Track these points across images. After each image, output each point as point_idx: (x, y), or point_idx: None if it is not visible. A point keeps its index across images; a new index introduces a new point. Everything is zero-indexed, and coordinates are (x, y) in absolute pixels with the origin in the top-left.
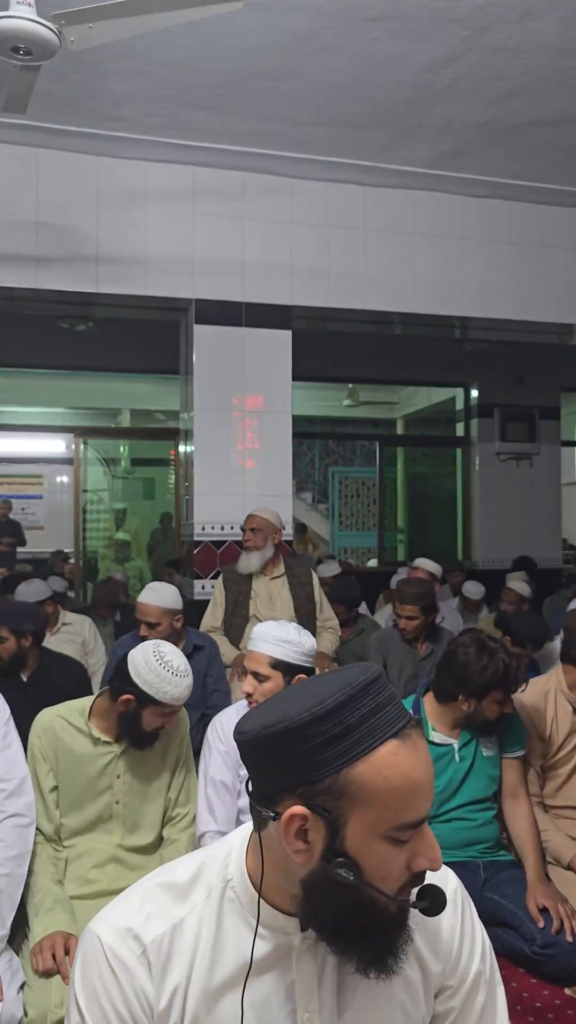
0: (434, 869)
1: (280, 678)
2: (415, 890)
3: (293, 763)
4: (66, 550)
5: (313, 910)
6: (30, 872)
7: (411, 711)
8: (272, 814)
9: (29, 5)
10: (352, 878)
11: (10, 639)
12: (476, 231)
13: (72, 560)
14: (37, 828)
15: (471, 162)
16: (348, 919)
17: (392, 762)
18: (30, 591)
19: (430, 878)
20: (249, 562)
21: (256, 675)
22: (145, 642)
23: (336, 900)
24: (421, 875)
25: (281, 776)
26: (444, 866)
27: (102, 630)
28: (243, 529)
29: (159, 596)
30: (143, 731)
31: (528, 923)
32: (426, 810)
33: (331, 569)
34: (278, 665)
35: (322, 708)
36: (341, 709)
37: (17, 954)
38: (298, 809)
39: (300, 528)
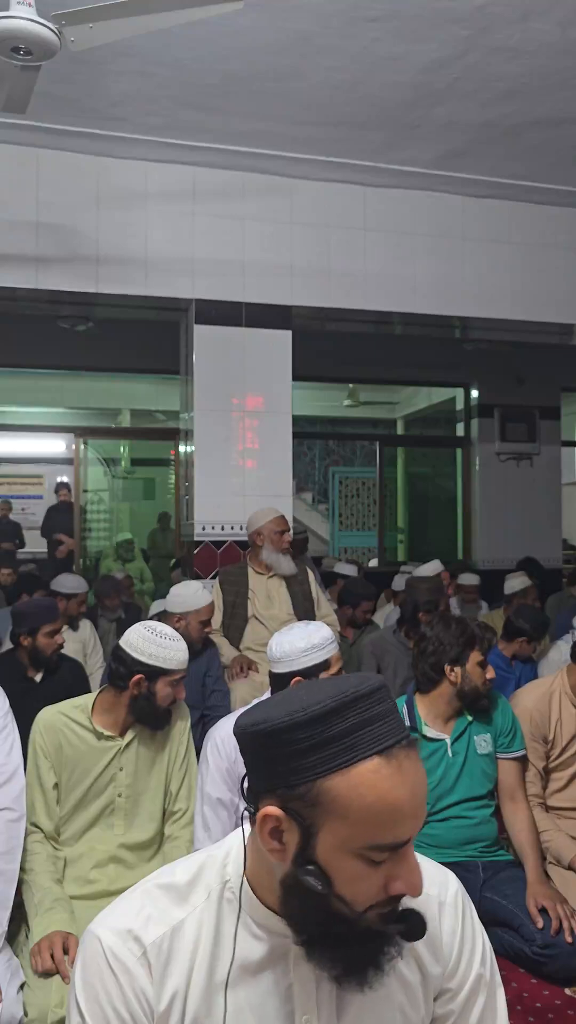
0: (412, 895)
1: None
2: (396, 909)
3: (273, 765)
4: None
5: (289, 912)
6: (29, 871)
7: (404, 711)
8: (252, 811)
9: (29, 5)
10: (321, 887)
11: (60, 634)
12: (476, 231)
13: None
14: (37, 826)
15: (471, 162)
16: (320, 926)
17: (370, 780)
18: (71, 582)
19: (413, 901)
20: (289, 564)
21: None
22: (133, 625)
23: (309, 905)
24: (400, 897)
25: (262, 775)
26: (445, 868)
27: (107, 625)
28: (280, 532)
29: (206, 593)
30: (159, 708)
31: (528, 923)
32: (407, 835)
33: (350, 568)
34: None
35: (303, 715)
36: (324, 718)
37: (17, 954)
38: (271, 810)
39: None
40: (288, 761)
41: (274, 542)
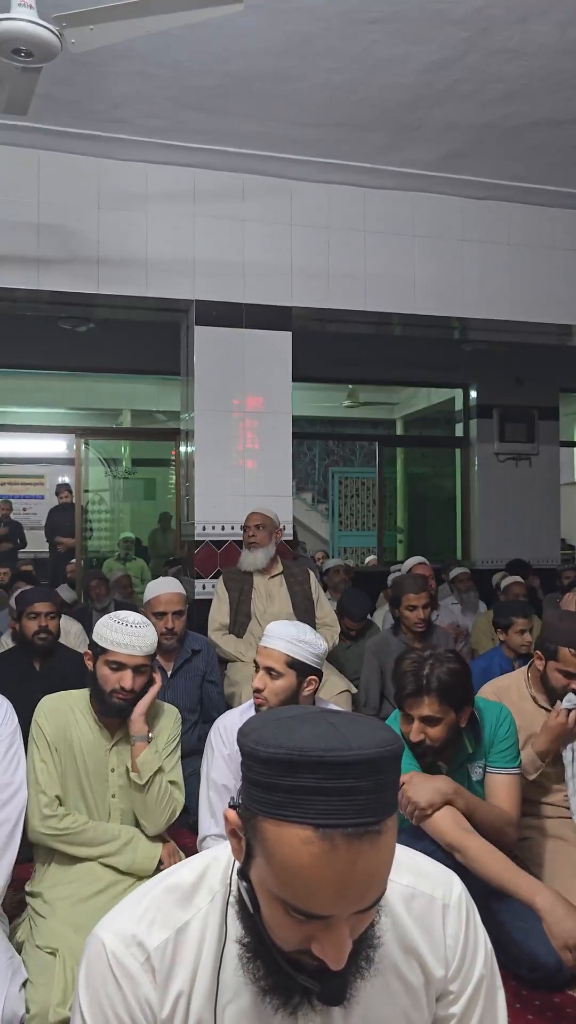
0: (330, 967)
1: (294, 677)
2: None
3: (244, 773)
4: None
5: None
6: (86, 827)
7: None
8: (231, 804)
9: (30, 7)
10: (251, 909)
11: (56, 619)
12: (475, 233)
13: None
14: (49, 796)
15: (470, 164)
16: (260, 938)
17: (295, 845)
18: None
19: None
20: (255, 558)
21: (270, 671)
22: None
23: (251, 916)
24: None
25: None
26: (449, 870)
27: (98, 616)
28: (245, 528)
29: (172, 583)
30: (102, 690)
31: (512, 948)
32: (325, 912)
33: (332, 562)
34: (294, 664)
35: (262, 750)
36: (274, 765)
37: (19, 952)
38: (231, 814)
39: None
40: (247, 780)
41: (243, 539)
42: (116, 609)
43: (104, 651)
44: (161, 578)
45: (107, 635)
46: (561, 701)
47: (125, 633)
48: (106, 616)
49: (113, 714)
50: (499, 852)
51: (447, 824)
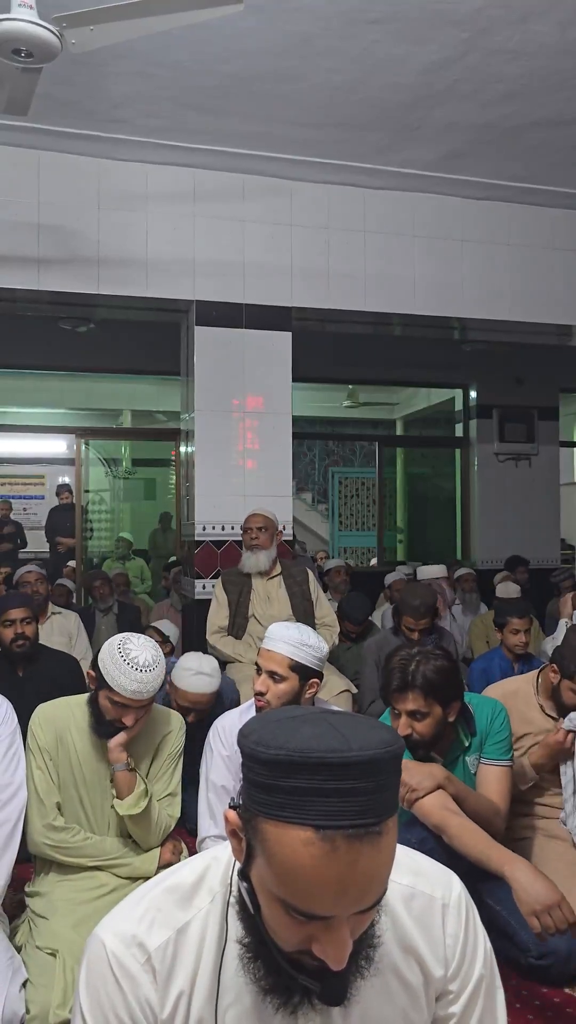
0: (331, 967)
1: (296, 680)
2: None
3: (244, 774)
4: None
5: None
6: (85, 841)
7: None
8: (231, 805)
9: (30, 7)
10: (251, 909)
11: (33, 623)
12: (475, 233)
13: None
14: (47, 807)
15: (470, 164)
16: (260, 939)
17: (295, 846)
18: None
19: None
20: (257, 561)
21: (273, 675)
22: (122, 633)
23: (252, 916)
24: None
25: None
26: (448, 870)
27: (104, 619)
28: (245, 529)
29: (209, 681)
30: (101, 715)
31: (521, 933)
32: (325, 912)
33: (333, 562)
34: (296, 668)
35: (263, 752)
36: (275, 766)
37: (19, 952)
38: (231, 814)
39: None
40: (247, 781)
41: (244, 541)
42: (119, 610)
43: (109, 688)
44: (200, 664)
45: (114, 675)
46: (563, 720)
47: (132, 679)
48: (115, 646)
49: (105, 735)
50: (480, 830)
51: (433, 805)
